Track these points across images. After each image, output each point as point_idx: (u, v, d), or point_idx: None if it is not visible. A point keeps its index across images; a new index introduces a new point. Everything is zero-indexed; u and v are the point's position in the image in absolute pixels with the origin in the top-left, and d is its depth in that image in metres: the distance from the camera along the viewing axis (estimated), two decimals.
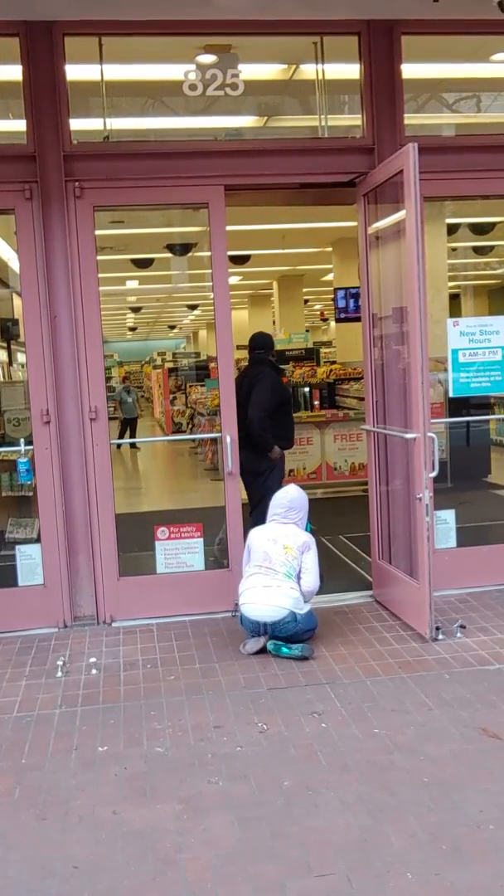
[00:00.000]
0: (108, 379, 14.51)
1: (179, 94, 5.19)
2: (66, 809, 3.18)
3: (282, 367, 13.26)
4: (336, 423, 9.68)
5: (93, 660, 4.65)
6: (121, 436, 15.59)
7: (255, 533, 4.86)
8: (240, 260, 13.01)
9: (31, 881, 2.77)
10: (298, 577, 4.66)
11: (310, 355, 14.89)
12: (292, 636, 4.59)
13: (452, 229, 10.45)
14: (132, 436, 15.98)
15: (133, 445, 15.53)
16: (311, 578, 4.69)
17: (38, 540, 5.31)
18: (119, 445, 14.98)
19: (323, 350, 18.48)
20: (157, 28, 5.03)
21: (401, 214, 4.86)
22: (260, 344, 6.34)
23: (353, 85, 5.40)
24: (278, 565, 4.64)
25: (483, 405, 8.58)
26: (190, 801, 3.19)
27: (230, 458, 5.25)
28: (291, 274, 16.82)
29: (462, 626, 4.80)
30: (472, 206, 8.81)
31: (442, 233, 9.14)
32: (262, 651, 4.60)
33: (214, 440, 7.41)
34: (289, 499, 4.87)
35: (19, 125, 5.08)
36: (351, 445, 9.55)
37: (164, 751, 3.60)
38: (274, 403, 6.03)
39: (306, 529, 4.89)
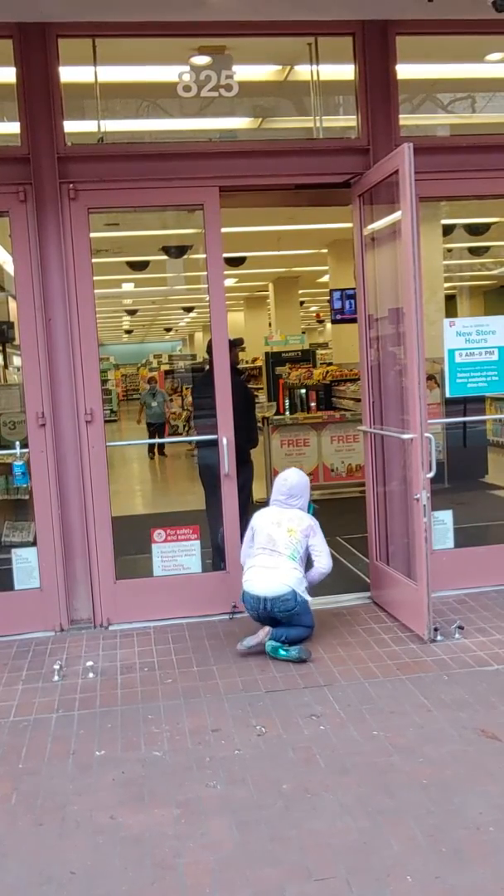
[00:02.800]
0: (104, 382, 14.36)
1: (174, 95, 5.18)
2: (64, 814, 3.16)
3: (279, 368, 13.34)
4: (333, 424, 9.66)
5: (90, 663, 4.63)
6: (150, 445, 14.98)
7: (260, 515, 4.90)
8: (235, 262, 13.00)
9: (29, 887, 2.75)
10: (302, 560, 4.72)
11: (306, 357, 14.87)
12: (290, 617, 4.61)
13: (448, 230, 10.47)
14: (160, 445, 14.88)
15: (161, 452, 14.78)
16: (325, 560, 4.78)
17: (34, 543, 5.29)
18: (151, 455, 14.70)
19: (319, 352, 18.49)
20: (151, 30, 5.02)
21: (396, 215, 4.85)
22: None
23: (347, 86, 5.39)
24: (282, 548, 4.69)
25: (477, 400, 8.53)
26: (188, 805, 3.17)
27: (227, 459, 5.24)
28: (287, 276, 16.82)
29: (460, 628, 4.78)
30: (468, 206, 8.82)
31: (437, 234, 9.15)
32: (260, 653, 4.58)
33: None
34: (288, 486, 4.89)
35: (13, 127, 5.07)
36: (348, 447, 9.54)
37: (162, 755, 3.58)
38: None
39: (309, 511, 4.92)
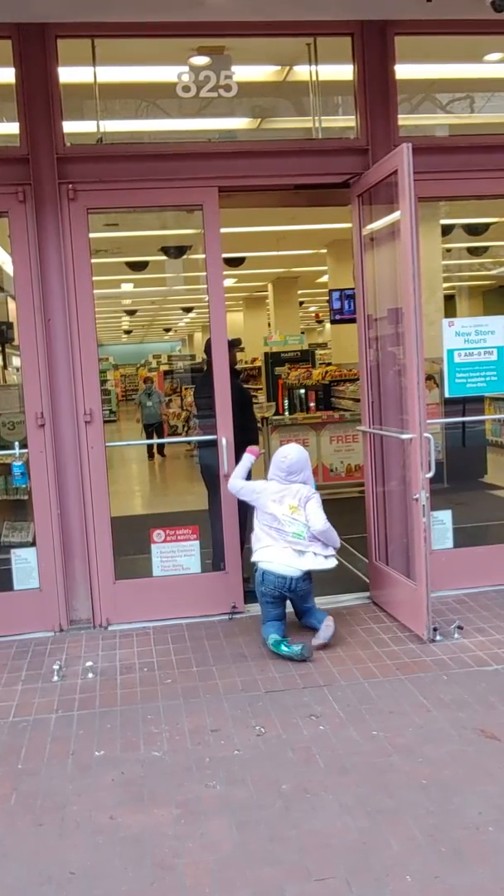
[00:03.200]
0: (103, 382, 14.26)
1: (173, 95, 5.18)
2: (63, 815, 3.16)
3: (278, 368, 13.34)
4: (332, 424, 9.67)
5: (89, 664, 4.63)
6: (149, 446, 14.64)
7: (265, 485, 4.85)
8: (235, 262, 13.01)
9: (28, 888, 2.75)
10: (309, 534, 4.72)
11: (305, 357, 14.88)
12: (306, 596, 4.76)
13: (447, 230, 10.47)
14: (160, 445, 14.62)
15: (160, 452, 14.57)
16: (317, 521, 4.69)
17: (33, 544, 5.29)
18: (151, 456, 14.48)
19: (318, 352, 18.48)
20: (150, 30, 5.02)
21: (395, 215, 4.85)
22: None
23: (346, 86, 5.40)
24: (287, 525, 4.70)
25: (477, 400, 8.53)
26: (188, 806, 3.17)
27: (226, 460, 5.24)
28: (286, 276, 16.83)
29: (459, 627, 4.78)
30: (467, 206, 8.82)
31: (436, 234, 9.14)
32: (259, 653, 4.58)
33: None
34: (287, 464, 4.83)
35: (12, 128, 5.07)
36: (347, 447, 9.54)
37: (162, 755, 3.58)
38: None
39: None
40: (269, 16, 5.02)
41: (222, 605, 5.31)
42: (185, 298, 20.37)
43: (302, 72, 5.47)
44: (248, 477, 5.13)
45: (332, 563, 4.77)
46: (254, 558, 4.80)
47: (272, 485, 4.85)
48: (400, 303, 4.90)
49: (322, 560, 4.72)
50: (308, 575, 4.73)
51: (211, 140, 5.59)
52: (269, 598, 4.72)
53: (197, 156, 5.24)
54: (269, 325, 19.00)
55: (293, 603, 4.85)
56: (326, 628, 4.68)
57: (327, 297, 11.71)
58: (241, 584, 5.38)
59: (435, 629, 4.71)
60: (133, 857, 2.87)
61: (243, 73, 5.20)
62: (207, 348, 5.87)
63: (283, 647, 4.52)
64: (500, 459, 10.93)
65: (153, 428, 14.73)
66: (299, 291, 18.26)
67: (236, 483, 4.97)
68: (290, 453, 4.86)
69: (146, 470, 13.75)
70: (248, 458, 5.08)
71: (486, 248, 13.14)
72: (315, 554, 4.70)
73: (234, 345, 5.83)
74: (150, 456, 14.65)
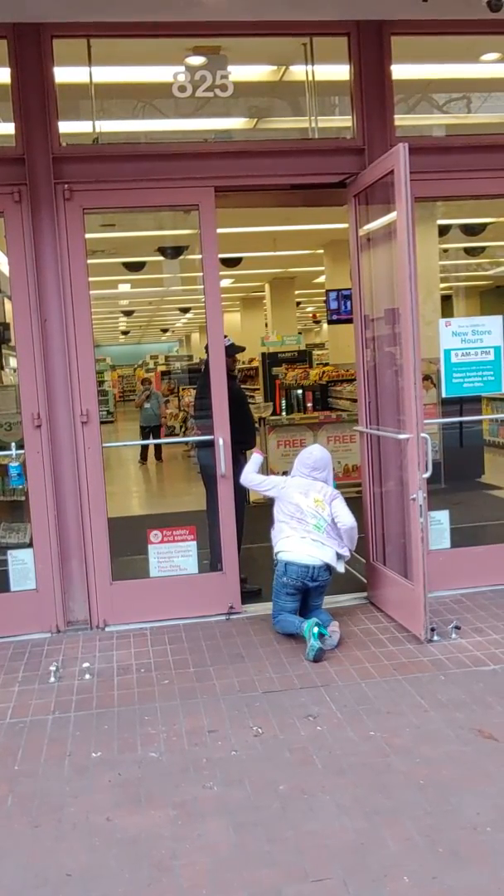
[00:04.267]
0: (101, 383, 14.05)
1: (169, 95, 5.18)
2: (60, 816, 3.15)
3: (275, 368, 13.34)
4: (329, 424, 9.66)
5: (86, 665, 4.61)
6: (142, 449, 13.95)
7: (287, 481, 5.05)
8: (231, 262, 13.00)
9: (25, 890, 2.74)
10: (330, 530, 4.89)
11: (302, 357, 14.88)
12: (322, 588, 4.90)
13: (444, 230, 10.48)
14: (156, 450, 13.92)
15: (157, 457, 13.93)
16: (347, 517, 4.92)
17: (30, 545, 5.28)
18: (142, 461, 13.91)
19: (315, 352, 18.47)
20: (146, 30, 5.01)
21: (392, 215, 4.85)
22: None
23: (342, 86, 5.39)
24: (309, 517, 4.88)
25: (474, 400, 8.53)
26: (185, 807, 3.16)
27: (223, 460, 5.23)
28: (283, 276, 16.82)
29: (457, 627, 4.78)
30: (463, 207, 8.83)
31: (433, 234, 9.15)
32: (256, 654, 4.57)
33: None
34: (313, 460, 5.07)
35: (8, 128, 5.06)
36: (344, 447, 9.54)
37: (159, 756, 3.57)
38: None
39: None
40: (265, 15, 5.02)
41: (220, 605, 5.30)
42: (181, 299, 20.37)
43: (298, 72, 5.47)
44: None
45: (342, 566, 4.95)
46: (276, 549, 4.93)
47: (297, 479, 5.05)
48: (397, 303, 4.89)
49: (334, 556, 4.86)
50: (329, 567, 4.85)
51: (207, 140, 5.59)
52: (290, 590, 4.84)
53: (193, 156, 5.24)
54: (266, 325, 18.99)
55: (306, 597, 4.91)
56: (333, 634, 4.69)
57: (324, 298, 11.72)
58: (239, 585, 5.37)
59: (432, 629, 4.70)
60: (130, 858, 2.86)
61: (239, 72, 5.20)
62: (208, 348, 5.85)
63: (319, 633, 4.48)
64: (497, 459, 10.95)
65: (150, 430, 14.31)
66: (296, 292, 18.25)
67: (254, 477, 5.17)
68: (316, 451, 5.14)
69: (143, 470, 13.72)
70: (257, 457, 5.28)
71: (482, 249, 13.16)
72: (328, 547, 4.85)
73: (233, 352, 5.79)
74: (143, 459, 13.98)
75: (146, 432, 14.32)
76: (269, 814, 3.08)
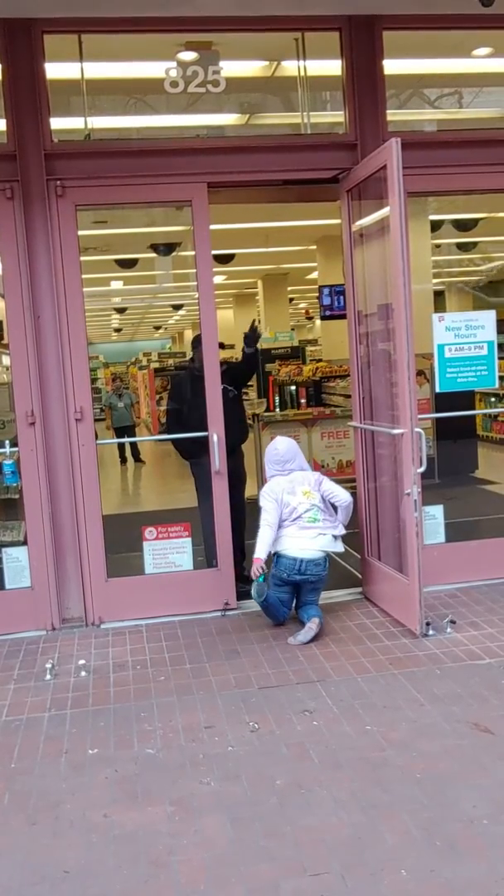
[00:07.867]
0: (94, 380, 13.86)
1: (161, 91, 5.16)
2: (57, 814, 3.15)
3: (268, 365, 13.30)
4: (323, 420, 9.66)
5: (82, 662, 4.61)
6: (120, 449, 13.66)
7: (271, 491, 4.95)
8: (224, 259, 12.98)
9: (22, 887, 2.74)
10: (325, 509, 4.95)
11: (295, 354, 14.84)
12: (318, 582, 4.91)
13: (436, 226, 10.48)
14: (133, 450, 13.60)
15: (136, 458, 13.70)
16: (342, 493, 5.01)
17: (24, 542, 5.27)
18: (123, 461, 13.68)
19: (309, 348, 18.46)
20: (138, 25, 4.99)
21: (384, 211, 4.85)
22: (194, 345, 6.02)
23: (335, 81, 5.39)
24: (303, 510, 4.89)
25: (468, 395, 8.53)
26: (182, 803, 3.16)
27: (217, 457, 5.23)
28: (276, 272, 16.81)
29: (452, 622, 4.79)
30: (456, 202, 8.84)
31: (426, 229, 9.15)
32: (252, 650, 4.57)
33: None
34: (281, 454, 5.08)
35: None
36: (338, 443, 9.54)
37: (155, 752, 3.57)
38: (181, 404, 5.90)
39: (260, 579, 4.86)
40: (257, 11, 5.01)
41: (215, 602, 5.30)
42: (174, 296, 20.34)
43: (290, 67, 5.46)
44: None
45: (340, 545, 4.98)
46: (274, 549, 4.93)
47: (276, 480, 5.02)
48: (390, 298, 4.90)
49: (331, 541, 4.90)
50: (323, 563, 4.89)
51: (199, 136, 5.57)
52: (277, 581, 4.90)
53: (185, 151, 5.22)
54: (259, 321, 18.96)
55: (299, 591, 4.92)
56: (308, 630, 4.70)
57: (317, 294, 11.71)
58: (234, 581, 5.37)
59: (427, 624, 4.71)
60: (127, 855, 2.86)
61: (231, 68, 5.19)
62: (195, 344, 5.79)
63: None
64: (491, 454, 10.97)
65: (124, 431, 13.82)
66: (289, 288, 18.24)
67: (272, 530, 4.88)
68: (280, 444, 5.11)
69: (137, 468, 13.70)
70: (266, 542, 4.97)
71: (475, 244, 13.16)
72: (324, 534, 4.88)
73: (198, 345, 5.67)
74: (123, 460, 13.67)
75: (120, 433, 13.82)
76: (266, 809, 3.08)
